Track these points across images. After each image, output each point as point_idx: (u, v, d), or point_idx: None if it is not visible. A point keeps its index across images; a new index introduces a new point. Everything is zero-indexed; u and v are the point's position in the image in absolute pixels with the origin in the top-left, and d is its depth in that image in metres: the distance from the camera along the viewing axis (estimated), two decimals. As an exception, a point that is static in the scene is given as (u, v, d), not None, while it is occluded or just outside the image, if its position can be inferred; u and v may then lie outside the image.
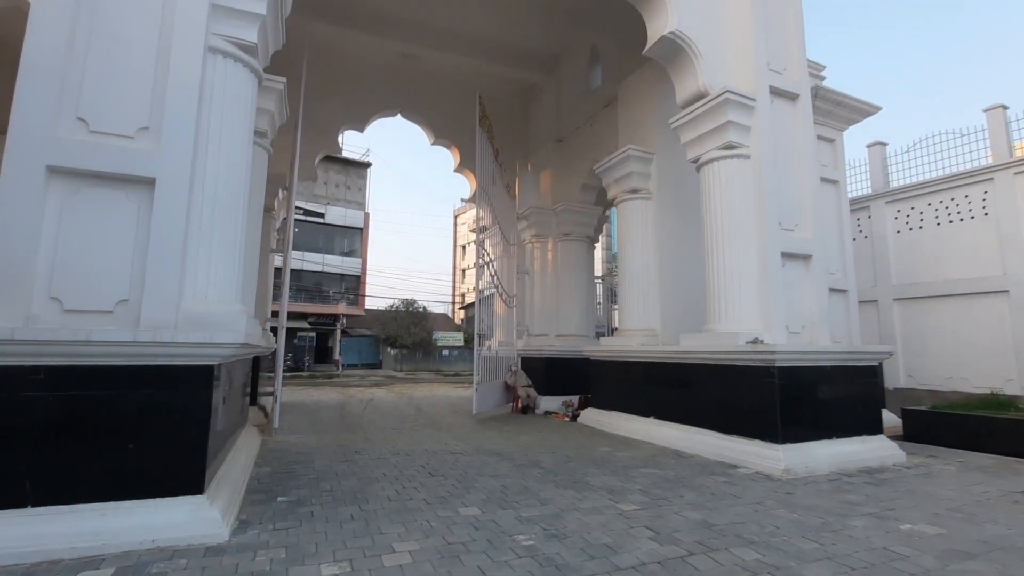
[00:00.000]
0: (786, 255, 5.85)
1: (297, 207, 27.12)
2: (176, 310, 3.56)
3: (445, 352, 29.86)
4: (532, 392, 9.10)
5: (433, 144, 11.89)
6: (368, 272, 29.26)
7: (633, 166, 7.36)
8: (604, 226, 11.53)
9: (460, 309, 42.13)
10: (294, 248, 26.10)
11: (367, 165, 29.58)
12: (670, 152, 7.45)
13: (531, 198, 11.00)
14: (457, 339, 31.11)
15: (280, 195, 9.56)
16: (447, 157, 12.34)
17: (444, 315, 38.16)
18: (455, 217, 53.73)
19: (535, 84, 11.47)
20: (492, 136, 9.31)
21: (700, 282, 6.30)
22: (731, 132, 5.79)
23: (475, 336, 8.25)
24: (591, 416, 7.73)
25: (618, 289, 7.86)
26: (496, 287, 9.18)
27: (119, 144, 3.55)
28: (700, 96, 6.00)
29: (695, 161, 6.25)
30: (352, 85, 10.62)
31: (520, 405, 9.03)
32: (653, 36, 6.03)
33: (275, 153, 9.67)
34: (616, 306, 14.16)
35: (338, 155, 10.82)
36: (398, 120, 11.63)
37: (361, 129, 11.16)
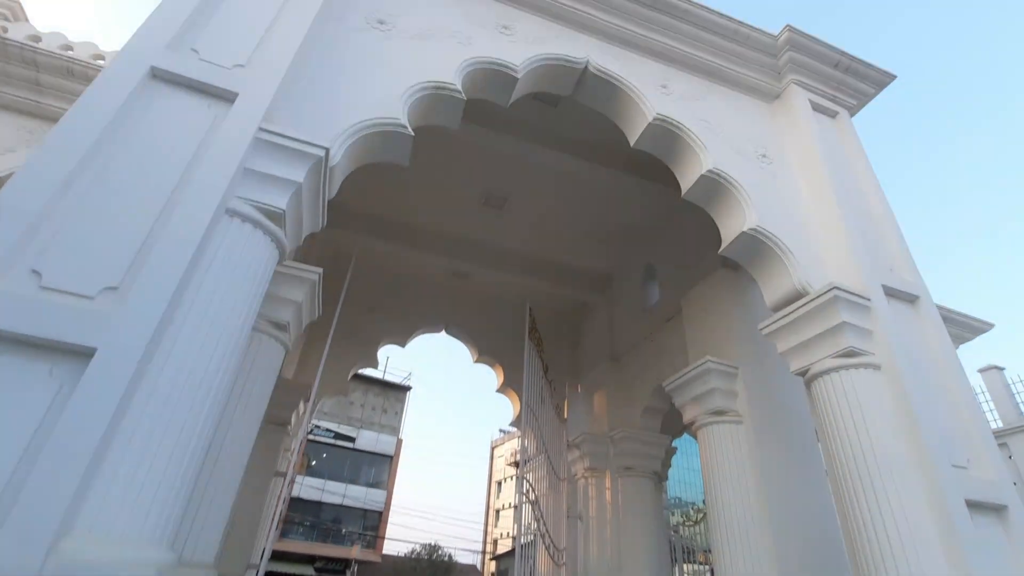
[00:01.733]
0: (972, 504, 4.04)
1: (328, 429, 26.07)
2: (47, 551, 2.21)
3: (470, 619, 24.39)
4: None
5: (476, 362, 11.13)
6: (392, 509, 26.18)
7: (715, 381, 6.08)
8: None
9: (492, 560, 36.24)
10: (316, 476, 24.16)
11: (407, 389, 29.20)
12: (758, 366, 6.24)
13: (583, 424, 9.55)
14: (486, 602, 25.72)
15: (301, 407, 8.54)
16: (487, 377, 11.44)
17: (473, 567, 32.62)
18: (492, 449, 50.72)
19: (586, 303, 11.10)
20: (541, 350, 8.44)
21: (824, 530, 4.65)
22: (848, 336, 4.62)
23: (514, 609, 5.98)
24: None
25: (710, 537, 5.77)
26: (541, 535, 7.12)
27: (69, 304, 2.70)
28: (796, 296, 5.04)
29: (802, 373, 4.97)
30: (397, 299, 10.48)
31: None
32: (729, 235, 5.41)
33: (304, 359, 9.08)
34: (695, 567, 11.12)
35: (375, 370, 10.03)
36: (438, 335, 11.16)
37: (403, 344, 10.66)
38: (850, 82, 6.76)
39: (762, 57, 6.54)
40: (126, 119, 3.33)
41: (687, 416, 6.46)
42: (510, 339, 11.01)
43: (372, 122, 4.29)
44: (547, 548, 7.21)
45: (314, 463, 24.39)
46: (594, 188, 8.38)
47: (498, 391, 11.15)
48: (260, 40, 4.09)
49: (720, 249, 5.53)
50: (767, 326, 5.27)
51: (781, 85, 6.65)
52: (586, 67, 5.77)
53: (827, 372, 4.68)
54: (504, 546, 36.72)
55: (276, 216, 3.53)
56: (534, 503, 6.98)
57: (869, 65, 6.74)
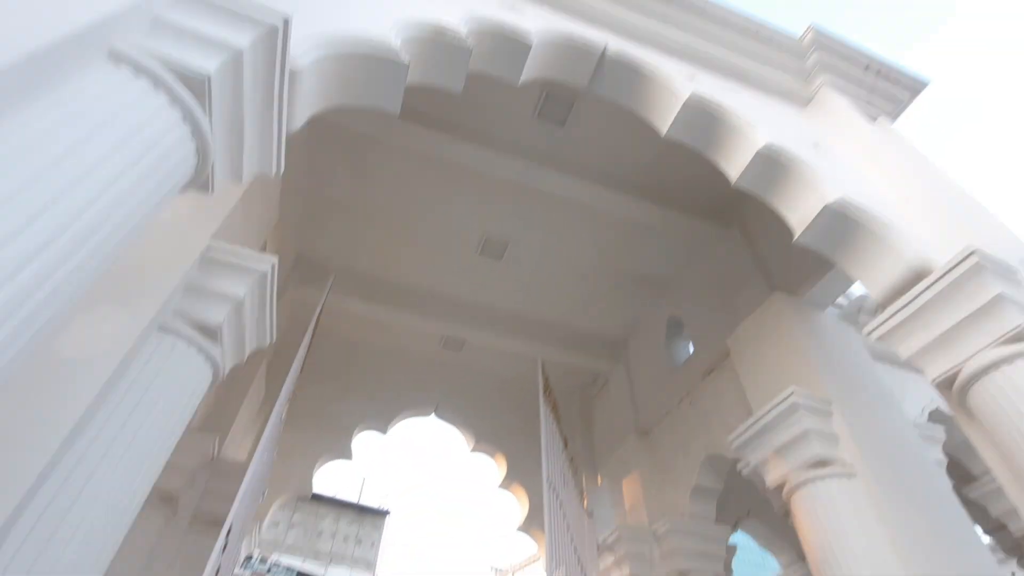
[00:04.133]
0: None
1: (288, 567, 21.97)
2: None
3: None
4: None
5: (472, 451, 9.23)
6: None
7: (807, 421, 4.53)
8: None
9: None
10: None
11: (385, 514, 25.38)
12: (855, 400, 4.78)
13: (613, 519, 7.54)
14: None
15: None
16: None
17: None
18: (483, 591, 44.19)
19: (597, 376, 9.58)
20: (558, 417, 6.78)
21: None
22: (1010, 312, 3.32)
23: None
24: None
25: None
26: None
27: None
28: (916, 277, 3.79)
29: (949, 381, 3.55)
30: (378, 377, 8.88)
31: None
32: (805, 217, 4.28)
33: (251, 429, 7.19)
34: None
35: (348, 459, 8.13)
36: (426, 419, 9.34)
37: (383, 430, 8.82)
38: (883, 86, 6.17)
39: (789, 59, 5.97)
40: None
41: (771, 478, 4.77)
42: (513, 421, 9.30)
43: (355, 40, 3.25)
44: None
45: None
46: (606, 224, 7.38)
47: (500, 486, 9.10)
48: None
49: (795, 237, 4.36)
50: (880, 326, 3.91)
51: (812, 88, 6.01)
52: (604, 51, 5.02)
53: (991, 368, 3.28)
54: None
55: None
56: (569, 624, 4.92)
57: (899, 69, 6.23)
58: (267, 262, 3.45)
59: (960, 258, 3.51)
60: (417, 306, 8.24)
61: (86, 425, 2.49)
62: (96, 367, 2.54)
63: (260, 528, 7.47)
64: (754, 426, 4.86)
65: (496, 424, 9.23)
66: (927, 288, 3.65)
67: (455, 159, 6.51)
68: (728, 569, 6.76)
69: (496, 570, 46.52)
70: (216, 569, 4.00)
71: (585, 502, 7.99)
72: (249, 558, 20.87)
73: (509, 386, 9.42)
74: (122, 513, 2.56)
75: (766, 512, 8.14)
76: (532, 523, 8.65)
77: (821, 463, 4.39)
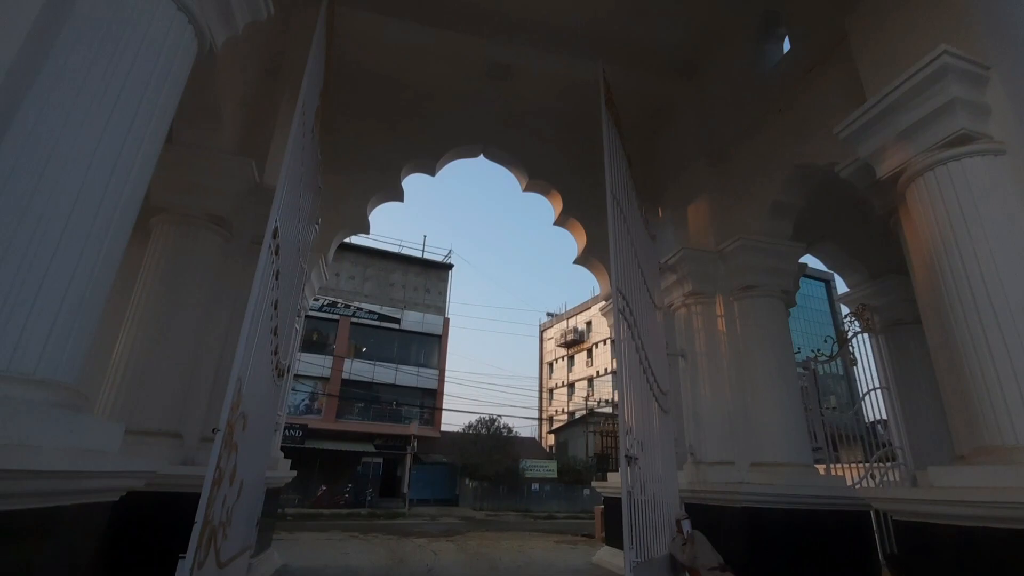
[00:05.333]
0: None
1: (371, 312, 25.18)
2: None
3: (535, 487, 24.55)
4: (731, 581, 4.52)
5: (526, 190, 8.81)
6: (446, 386, 25.82)
7: (955, 88, 3.49)
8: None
9: (549, 433, 36.90)
10: (366, 359, 23.59)
11: (448, 266, 27.61)
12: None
13: (672, 245, 7.25)
14: (550, 470, 25.73)
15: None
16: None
17: (532, 439, 33.09)
18: (541, 332, 50.50)
19: (664, 105, 8.34)
20: (621, 131, 5.94)
21: None
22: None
23: (621, 461, 4.11)
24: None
25: (971, 360, 3.48)
26: (644, 370, 5.17)
27: None
28: None
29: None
30: (421, 115, 8.06)
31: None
32: None
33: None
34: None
35: (400, 201, 7.89)
36: (475, 162, 8.78)
37: (432, 172, 8.39)
38: None
39: None
40: None
41: (886, 166, 3.94)
42: (567, 156, 8.61)
43: None
44: (651, 387, 5.28)
45: (364, 349, 23.83)
46: None
47: (555, 223, 8.91)
48: None
49: None
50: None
51: None
52: None
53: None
54: (559, 422, 37.19)
55: None
56: (632, 326, 4.92)
57: None
58: None
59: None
60: (457, 22, 6.89)
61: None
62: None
63: (326, 263, 7.76)
64: (876, 107, 3.86)
65: (549, 159, 8.58)
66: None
67: None
68: (795, 284, 6.55)
69: (550, 314, 52.52)
70: (275, 273, 3.95)
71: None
72: (335, 303, 23.80)
73: (562, 118, 8.45)
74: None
75: (841, 234, 7.65)
76: (590, 255, 8.62)
77: (962, 140, 3.49)
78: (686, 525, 4.88)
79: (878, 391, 7.29)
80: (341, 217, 7.42)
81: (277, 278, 4.02)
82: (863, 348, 7.64)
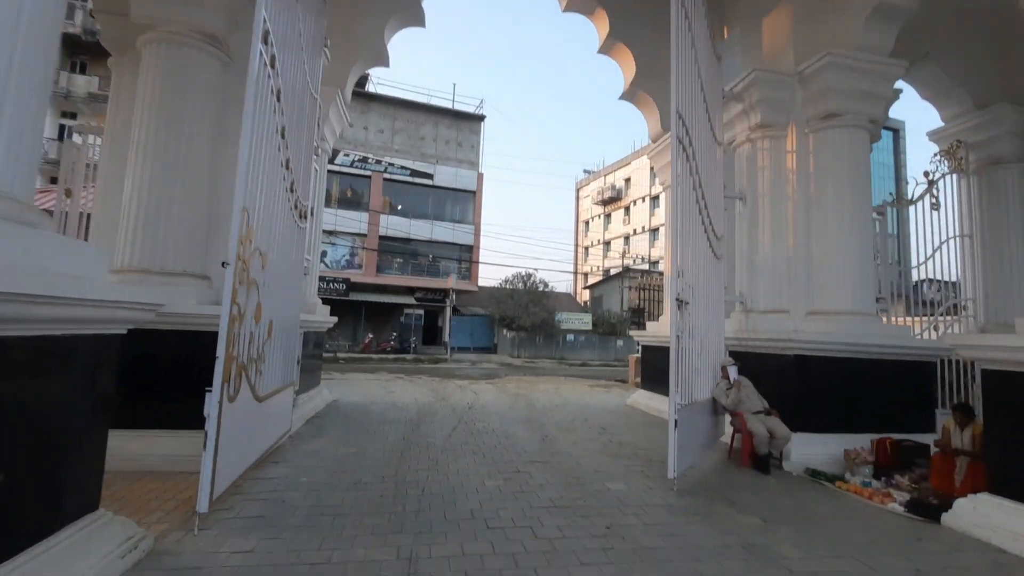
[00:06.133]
0: None
1: (403, 167, 24.49)
2: None
3: (570, 337, 25.58)
4: (776, 426, 4.41)
5: (566, 9, 7.48)
6: (482, 241, 25.84)
7: None
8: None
9: (584, 289, 37.63)
10: (401, 215, 23.56)
11: (480, 118, 25.92)
12: None
13: (739, 71, 6.14)
14: (584, 322, 26.58)
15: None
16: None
17: (567, 295, 33.87)
18: (577, 190, 49.01)
19: None
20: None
21: None
22: None
23: (671, 305, 3.76)
24: (987, 514, 2.97)
25: None
26: (702, 215, 4.59)
27: None
28: None
29: None
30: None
31: (750, 450, 4.42)
32: None
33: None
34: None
35: (421, 26, 6.81)
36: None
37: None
38: None
39: None
40: None
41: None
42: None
43: None
44: (706, 230, 4.75)
45: (400, 207, 23.56)
46: None
47: (600, 51, 7.71)
48: None
49: None
50: None
51: None
52: None
53: None
54: (594, 279, 37.60)
55: None
56: (691, 158, 4.25)
57: None
58: None
59: None
60: None
61: None
62: None
63: (345, 102, 7.04)
64: None
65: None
66: None
67: None
68: (886, 111, 5.54)
69: (586, 171, 50.45)
70: (275, 93, 3.40)
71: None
72: (365, 159, 23.15)
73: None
74: None
75: (949, 52, 6.33)
76: (638, 87, 7.56)
77: None
78: (732, 371, 4.70)
79: (956, 240, 6.55)
80: (356, 46, 6.53)
81: (279, 99, 3.47)
82: (948, 191, 6.73)
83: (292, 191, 4.08)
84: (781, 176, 5.62)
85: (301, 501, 3.17)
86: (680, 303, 3.77)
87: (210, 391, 2.59)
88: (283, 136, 3.64)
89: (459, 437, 5.23)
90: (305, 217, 4.70)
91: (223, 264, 2.67)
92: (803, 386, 4.82)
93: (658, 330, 7.67)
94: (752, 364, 5.08)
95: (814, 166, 5.42)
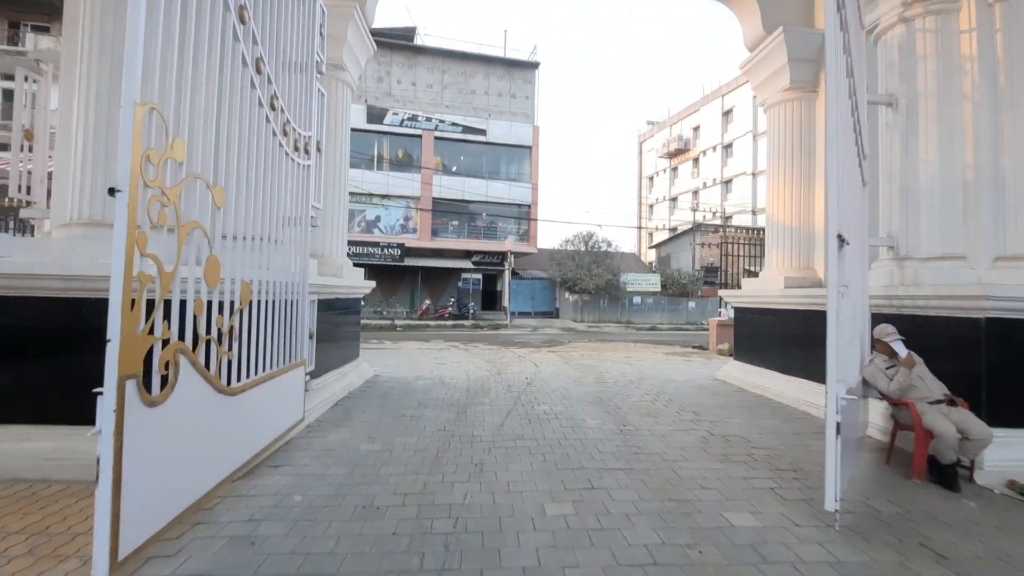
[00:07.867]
0: None
1: (453, 123, 23.23)
2: None
3: (636, 299, 23.91)
4: (969, 422, 3.02)
5: None
6: (540, 200, 24.38)
7: None
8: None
9: (651, 248, 35.46)
10: (455, 175, 22.56)
11: (535, 66, 23.98)
12: None
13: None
14: (652, 283, 24.78)
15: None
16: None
17: (632, 255, 31.96)
18: (640, 144, 45.90)
19: None
20: None
21: None
22: None
23: (830, 245, 2.45)
24: None
25: None
26: (856, 129, 3.17)
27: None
28: None
29: None
30: None
31: (927, 457, 3.06)
32: None
33: None
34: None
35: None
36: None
37: None
38: None
39: None
40: None
41: None
42: None
43: None
44: (858, 149, 3.30)
45: (454, 168, 22.48)
46: None
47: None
48: None
49: None
50: None
51: None
52: None
53: None
54: (660, 237, 35.28)
55: None
56: (847, 50, 2.81)
57: None
58: None
59: None
60: None
61: None
62: None
63: (365, 20, 5.90)
64: None
65: None
66: None
67: None
68: None
69: (650, 123, 47.03)
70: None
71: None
72: (415, 117, 22.10)
73: None
74: None
75: None
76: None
77: None
78: (899, 345, 3.30)
79: None
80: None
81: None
82: None
83: (275, 109, 3.04)
84: (952, 67, 3.98)
85: (277, 545, 2.20)
86: (841, 240, 2.45)
87: (101, 393, 1.64)
88: (242, 20, 2.56)
89: (513, 427, 4.19)
90: (308, 152, 3.68)
91: (110, 191, 1.66)
92: (999, 363, 3.36)
93: (759, 288, 6.22)
94: (910, 332, 3.63)
95: (1002, 48, 3.75)
